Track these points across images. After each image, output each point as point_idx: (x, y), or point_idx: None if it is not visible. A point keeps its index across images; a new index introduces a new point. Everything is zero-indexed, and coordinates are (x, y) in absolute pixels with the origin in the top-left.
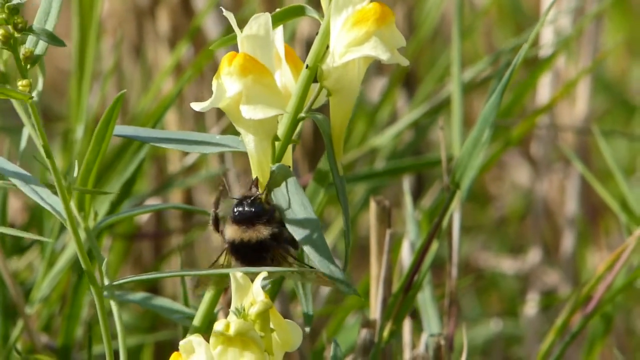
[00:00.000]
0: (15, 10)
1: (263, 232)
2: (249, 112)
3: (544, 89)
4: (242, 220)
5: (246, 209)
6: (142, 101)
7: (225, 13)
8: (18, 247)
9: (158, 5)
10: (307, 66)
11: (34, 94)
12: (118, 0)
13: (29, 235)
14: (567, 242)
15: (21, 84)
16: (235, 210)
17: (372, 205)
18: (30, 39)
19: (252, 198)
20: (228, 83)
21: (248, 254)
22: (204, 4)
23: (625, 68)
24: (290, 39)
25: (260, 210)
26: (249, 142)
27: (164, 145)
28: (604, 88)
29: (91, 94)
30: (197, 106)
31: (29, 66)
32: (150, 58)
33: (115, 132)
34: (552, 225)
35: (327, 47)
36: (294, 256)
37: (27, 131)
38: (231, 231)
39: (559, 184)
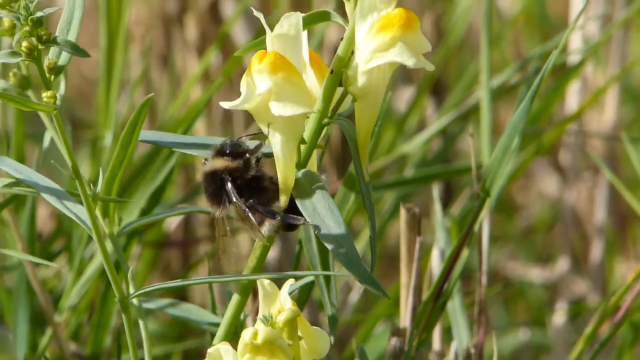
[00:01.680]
0: (39, 22)
1: (221, 163)
2: (278, 108)
3: (572, 97)
4: (219, 148)
5: (231, 141)
6: (170, 109)
7: (256, 13)
8: (47, 255)
9: (186, 12)
10: (332, 71)
11: (57, 97)
12: (145, 8)
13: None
14: (596, 251)
15: (46, 95)
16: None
17: (402, 213)
18: (54, 49)
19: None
20: (258, 80)
21: (209, 185)
22: (232, 11)
23: None
24: (318, 45)
25: (238, 150)
26: (275, 143)
27: (189, 152)
28: (631, 96)
29: (119, 102)
30: (226, 104)
31: (52, 77)
32: (179, 65)
33: (141, 138)
34: (580, 234)
35: (352, 52)
36: (249, 208)
37: (49, 136)
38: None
39: (588, 193)
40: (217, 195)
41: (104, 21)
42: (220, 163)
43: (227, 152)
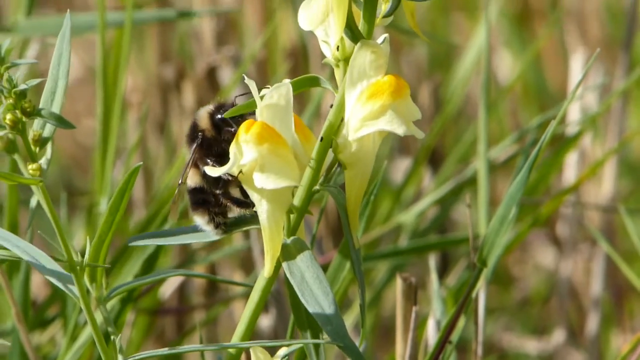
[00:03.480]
0: (23, 95)
1: (204, 123)
2: (261, 181)
3: (570, 168)
4: (214, 109)
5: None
6: (166, 176)
7: (247, 80)
8: (41, 321)
9: (183, 79)
10: (321, 138)
11: (43, 161)
12: (142, 75)
13: None
14: (592, 323)
15: (31, 167)
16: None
17: (398, 282)
18: (38, 120)
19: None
20: (244, 150)
21: (190, 130)
22: (230, 78)
23: None
24: (315, 112)
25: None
26: (261, 212)
27: (184, 242)
28: (629, 169)
29: (115, 169)
30: (212, 172)
31: (38, 149)
32: (175, 132)
33: (133, 243)
34: (576, 306)
35: (342, 119)
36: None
37: (35, 200)
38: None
39: (584, 265)
40: (191, 143)
41: (100, 88)
42: (204, 122)
43: (215, 116)
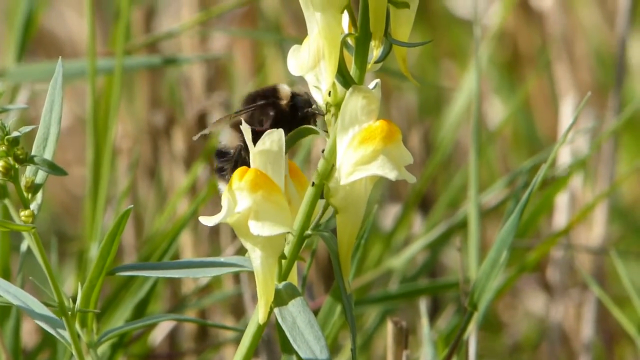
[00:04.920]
0: (16, 142)
1: (285, 94)
2: (256, 228)
3: (561, 212)
4: (300, 92)
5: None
6: (156, 222)
7: (243, 126)
8: None
9: (173, 125)
10: (313, 184)
11: (33, 206)
12: (132, 121)
13: None
14: None
15: (24, 214)
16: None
17: (389, 326)
18: (31, 167)
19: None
20: (238, 198)
21: (263, 90)
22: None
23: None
24: (305, 158)
25: (301, 102)
26: (255, 258)
27: (171, 276)
28: (619, 214)
29: (105, 215)
30: (206, 221)
31: (30, 195)
32: (166, 179)
33: (120, 272)
34: (567, 352)
35: (334, 165)
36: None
37: (25, 245)
38: None
39: (575, 310)
40: (253, 100)
41: (91, 136)
42: (285, 94)
43: (298, 98)
